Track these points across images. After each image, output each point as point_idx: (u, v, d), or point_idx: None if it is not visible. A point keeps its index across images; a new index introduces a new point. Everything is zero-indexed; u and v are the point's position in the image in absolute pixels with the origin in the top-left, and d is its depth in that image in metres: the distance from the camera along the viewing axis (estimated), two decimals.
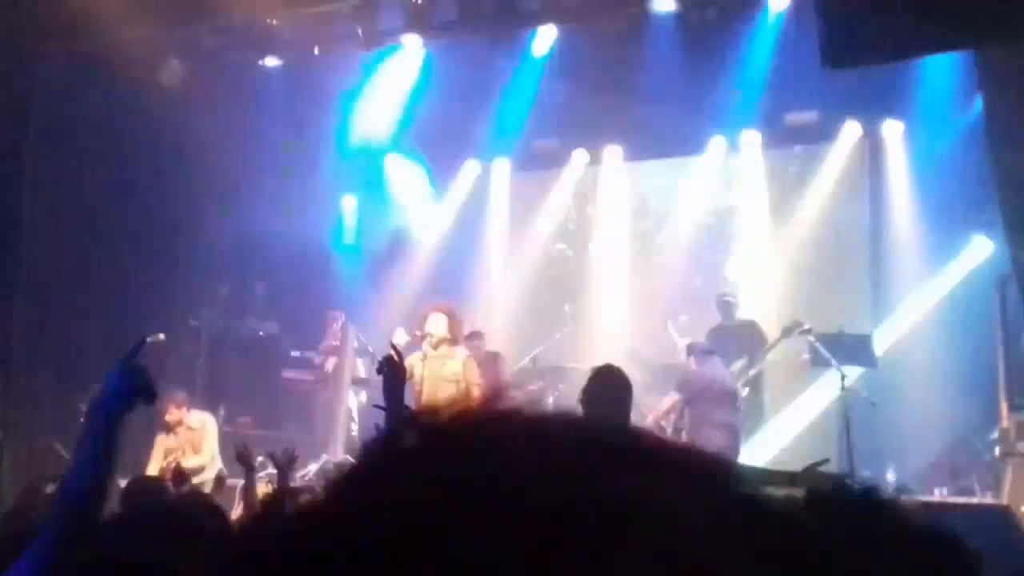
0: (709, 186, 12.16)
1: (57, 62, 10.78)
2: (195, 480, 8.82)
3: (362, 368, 11.63)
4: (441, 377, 8.45)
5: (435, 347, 8.51)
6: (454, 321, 8.66)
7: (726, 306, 10.59)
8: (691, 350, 9.28)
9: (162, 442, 9.26)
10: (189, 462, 9.14)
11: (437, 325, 8.56)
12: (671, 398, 8.97)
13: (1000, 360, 8.76)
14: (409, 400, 8.45)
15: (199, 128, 11.24)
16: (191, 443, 9.28)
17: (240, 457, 6.28)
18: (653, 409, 9.28)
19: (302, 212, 12.14)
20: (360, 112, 12.13)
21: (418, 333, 8.74)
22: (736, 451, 8.48)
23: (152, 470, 8.88)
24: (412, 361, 8.56)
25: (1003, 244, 8.50)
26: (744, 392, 9.74)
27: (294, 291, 12.72)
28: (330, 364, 12.06)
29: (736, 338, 10.27)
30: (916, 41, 6.06)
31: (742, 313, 10.72)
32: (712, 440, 8.23)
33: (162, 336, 10.42)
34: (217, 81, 11.38)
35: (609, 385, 5.43)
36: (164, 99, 11.19)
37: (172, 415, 9.20)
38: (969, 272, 10.23)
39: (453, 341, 8.62)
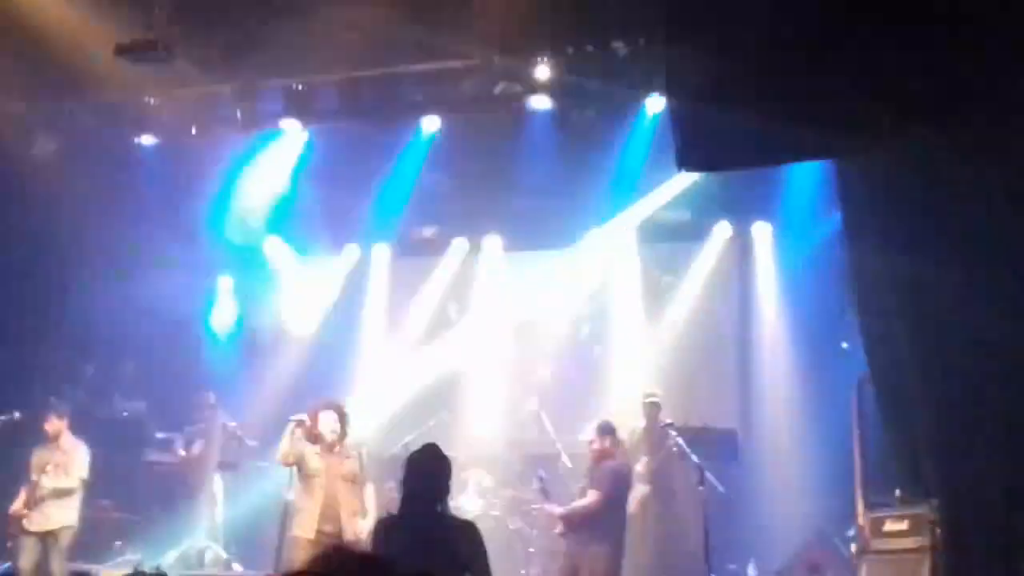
0: (584, 279, 12.32)
1: None
2: (57, 503, 9.35)
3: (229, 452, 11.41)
4: (339, 476, 8.36)
5: (331, 448, 8.42)
6: (343, 417, 8.61)
7: (651, 407, 10.23)
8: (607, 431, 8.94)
9: (38, 455, 9.65)
10: (59, 483, 9.50)
11: (331, 423, 8.46)
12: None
13: (857, 459, 8.94)
14: (306, 492, 8.33)
15: (73, 203, 11.08)
16: (63, 464, 9.59)
17: None
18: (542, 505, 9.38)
19: (176, 291, 11.95)
20: (239, 193, 12.04)
21: (306, 425, 8.57)
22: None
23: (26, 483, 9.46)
24: (307, 453, 8.41)
25: (861, 347, 8.75)
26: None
27: (164, 371, 12.46)
28: (197, 447, 11.79)
29: (657, 442, 10.10)
30: (768, 150, 6.26)
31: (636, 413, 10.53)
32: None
33: (17, 415, 10.15)
34: (92, 157, 11.25)
35: (424, 465, 5.60)
36: (37, 173, 11.01)
37: (52, 425, 9.67)
38: (828, 371, 10.50)
39: (343, 437, 8.55)
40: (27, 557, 9.37)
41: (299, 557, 7.88)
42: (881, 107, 6.00)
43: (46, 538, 9.37)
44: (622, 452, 9.06)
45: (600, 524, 8.58)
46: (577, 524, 8.69)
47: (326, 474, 8.31)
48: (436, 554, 5.15)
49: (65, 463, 9.62)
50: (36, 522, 9.42)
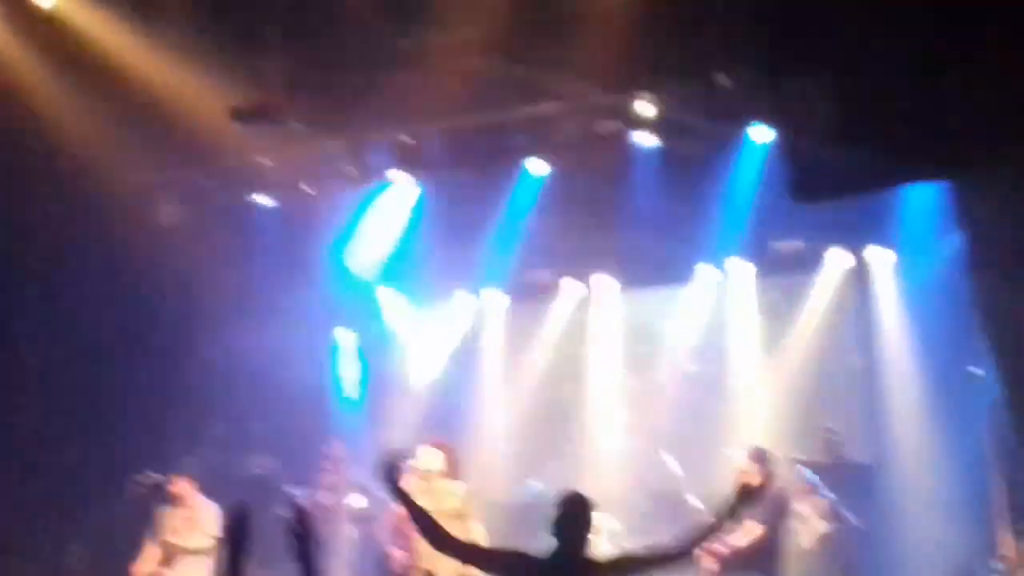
0: (700, 314, 12.18)
1: (55, 205, 10.95)
2: (192, 559, 9.22)
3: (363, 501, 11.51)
4: (443, 512, 8.41)
5: (427, 480, 8.49)
6: (450, 456, 8.67)
7: (830, 444, 10.11)
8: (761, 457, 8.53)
9: (163, 515, 9.53)
10: (191, 543, 9.35)
11: (432, 460, 8.56)
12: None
13: (996, 486, 8.65)
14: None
15: (194, 265, 11.39)
16: (192, 523, 9.43)
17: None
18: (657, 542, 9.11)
19: (297, 347, 12.18)
20: (355, 247, 12.24)
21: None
22: None
23: (151, 542, 9.37)
24: (414, 492, 8.53)
25: (993, 370, 8.48)
26: None
27: (291, 427, 12.65)
28: (327, 498, 11.93)
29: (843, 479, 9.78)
30: (882, 176, 6.12)
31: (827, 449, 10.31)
32: None
33: (164, 477, 10.36)
34: (212, 220, 11.56)
35: (572, 513, 5.66)
36: (163, 239, 11.38)
37: (178, 486, 9.54)
38: (958, 397, 10.19)
39: (451, 474, 8.62)
40: None
41: None
42: (1004, 122, 5.83)
43: None
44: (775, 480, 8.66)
45: (762, 559, 8.29)
46: (737, 562, 8.38)
47: (428, 509, 8.34)
48: None
49: (195, 521, 9.54)
50: None
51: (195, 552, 9.38)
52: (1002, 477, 8.77)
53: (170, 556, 9.43)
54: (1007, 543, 8.59)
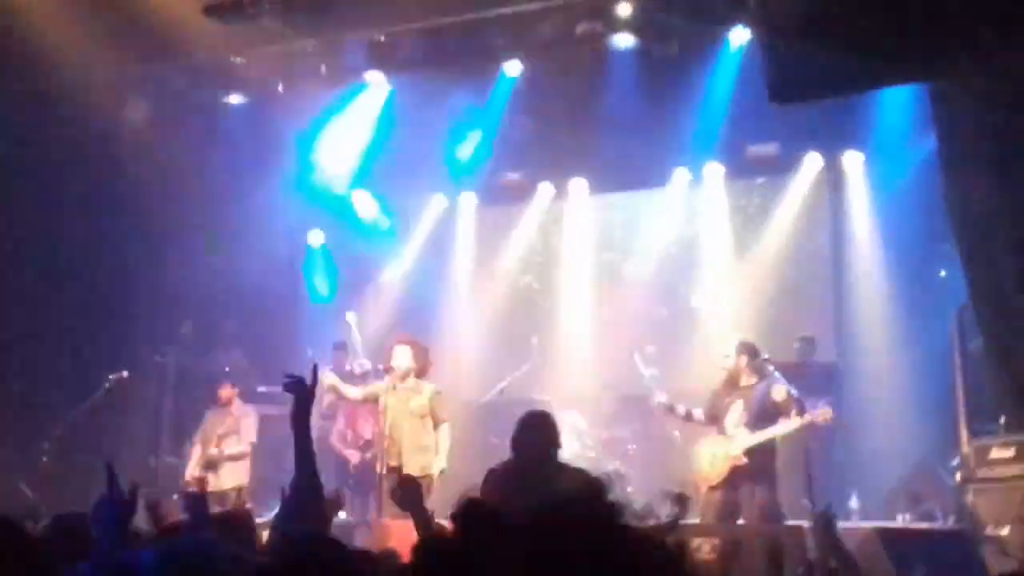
0: (673, 218, 12.26)
1: (16, 99, 10.74)
2: (231, 465, 10.04)
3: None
4: (406, 411, 8.53)
5: (402, 379, 8.61)
6: (419, 353, 8.76)
7: (803, 351, 10.21)
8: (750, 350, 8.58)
9: (211, 420, 10.33)
10: (230, 448, 10.15)
11: (402, 357, 8.67)
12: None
13: (959, 387, 8.85)
14: (371, 427, 8.61)
15: (163, 164, 11.28)
16: (235, 428, 10.23)
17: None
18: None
19: (269, 247, 12.16)
20: (325, 148, 12.15)
21: (380, 367, 8.89)
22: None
23: (198, 440, 10.25)
24: (378, 390, 8.67)
25: (960, 273, 8.62)
26: None
27: (260, 326, 12.69)
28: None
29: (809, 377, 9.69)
30: (861, 77, 6.18)
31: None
32: None
33: (125, 374, 10.51)
34: (182, 118, 11.42)
35: (536, 433, 5.79)
36: (128, 136, 11.25)
37: (225, 392, 10.41)
38: (925, 301, 10.37)
39: (420, 373, 8.72)
40: None
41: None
42: (981, 25, 5.87)
43: (222, 498, 9.76)
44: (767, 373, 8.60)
45: (761, 455, 8.28)
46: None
47: (394, 408, 8.48)
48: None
49: (237, 428, 10.25)
50: (211, 484, 9.96)
51: (236, 457, 10.17)
52: (963, 379, 8.96)
53: (213, 460, 10.14)
54: (966, 442, 8.80)
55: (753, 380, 8.52)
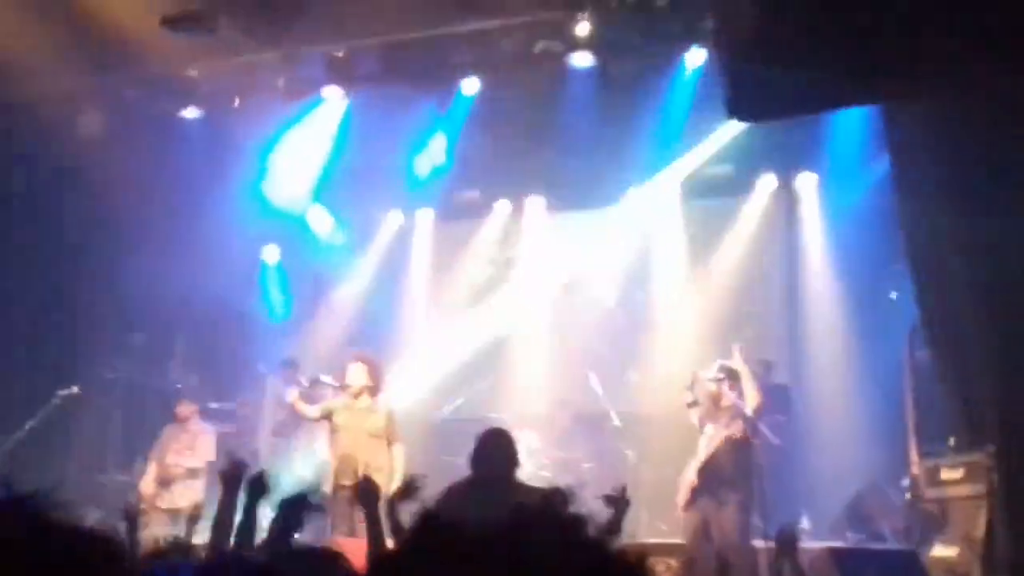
0: (629, 238, 12.30)
1: None
2: (187, 482, 9.84)
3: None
4: (362, 430, 8.48)
5: (356, 396, 8.56)
6: (374, 370, 8.72)
7: (761, 372, 9.96)
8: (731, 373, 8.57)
9: (167, 433, 10.15)
10: (187, 462, 9.98)
11: (357, 375, 8.63)
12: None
13: (909, 408, 8.94)
14: (332, 446, 8.52)
15: (118, 177, 11.16)
16: (191, 445, 10.10)
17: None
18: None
19: (223, 263, 12.05)
20: (281, 163, 12.08)
21: (336, 385, 8.83)
22: None
23: (154, 457, 10.02)
24: (334, 406, 8.61)
25: (910, 296, 8.73)
26: None
27: (213, 341, 12.59)
28: (249, 411, 12.01)
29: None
30: (818, 97, 6.23)
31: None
32: None
33: (76, 389, 10.36)
34: (136, 132, 11.31)
35: (496, 450, 5.86)
36: (83, 148, 11.13)
37: (183, 408, 10.28)
38: (877, 322, 10.48)
39: (374, 391, 8.67)
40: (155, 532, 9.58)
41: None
42: (934, 47, 5.93)
43: (175, 516, 9.61)
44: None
45: (733, 468, 8.31)
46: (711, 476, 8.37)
47: (349, 428, 8.42)
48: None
49: (193, 445, 10.10)
50: (166, 500, 9.82)
51: (191, 473, 9.96)
52: (914, 400, 9.06)
53: (168, 476, 9.96)
54: (916, 462, 8.88)
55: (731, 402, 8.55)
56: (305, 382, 9.28)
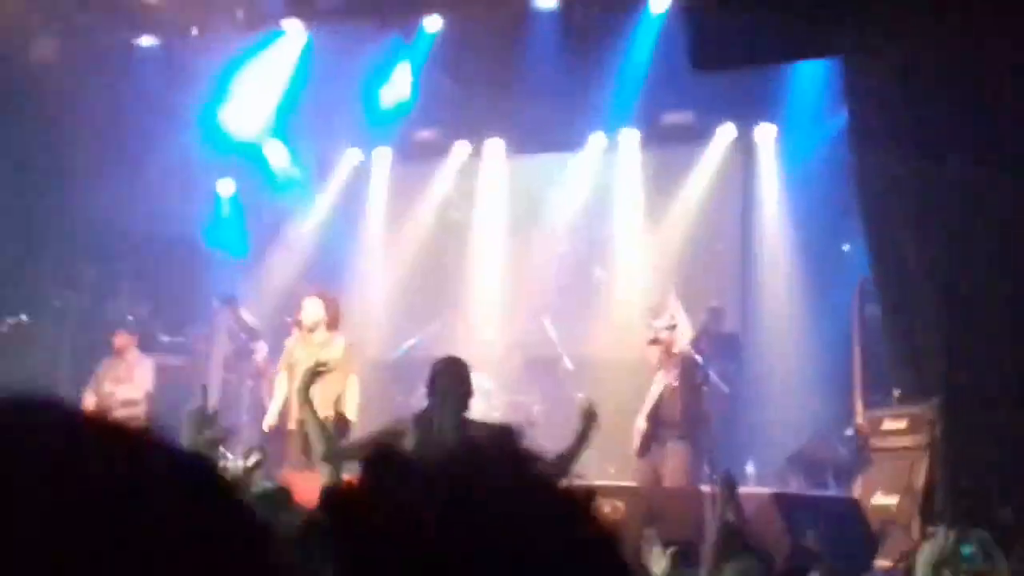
0: (587, 182, 12.30)
1: None
2: (125, 413, 9.49)
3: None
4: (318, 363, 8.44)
5: (311, 331, 8.52)
6: (330, 304, 8.68)
7: (712, 319, 10.06)
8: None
9: (104, 364, 10.21)
10: (126, 393, 9.96)
11: (312, 309, 8.59)
12: None
13: (857, 359, 9.07)
14: (289, 381, 8.52)
15: (71, 104, 10.97)
16: (128, 376, 10.10)
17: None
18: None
19: (177, 195, 11.92)
20: (238, 96, 11.90)
21: (288, 319, 8.80)
22: None
23: (91, 387, 10.02)
24: (289, 346, 8.58)
25: (862, 249, 8.83)
26: None
27: (166, 274, 12.46)
28: (202, 344, 11.95)
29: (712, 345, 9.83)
30: (780, 47, 6.27)
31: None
32: None
33: (24, 317, 10.24)
34: (89, 59, 11.10)
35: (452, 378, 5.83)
36: (35, 74, 10.91)
37: (120, 339, 10.25)
38: (828, 274, 10.60)
39: (330, 325, 8.64)
40: None
41: (274, 449, 7.97)
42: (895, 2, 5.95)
43: None
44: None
45: (682, 415, 8.38)
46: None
47: (304, 362, 8.39)
48: None
49: (131, 376, 10.10)
50: None
51: (129, 404, 9.87)
52: (861, 351, 9.19)
53: (105, 407, 9.70)
54: (860, 412, 9.03)
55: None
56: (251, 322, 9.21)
